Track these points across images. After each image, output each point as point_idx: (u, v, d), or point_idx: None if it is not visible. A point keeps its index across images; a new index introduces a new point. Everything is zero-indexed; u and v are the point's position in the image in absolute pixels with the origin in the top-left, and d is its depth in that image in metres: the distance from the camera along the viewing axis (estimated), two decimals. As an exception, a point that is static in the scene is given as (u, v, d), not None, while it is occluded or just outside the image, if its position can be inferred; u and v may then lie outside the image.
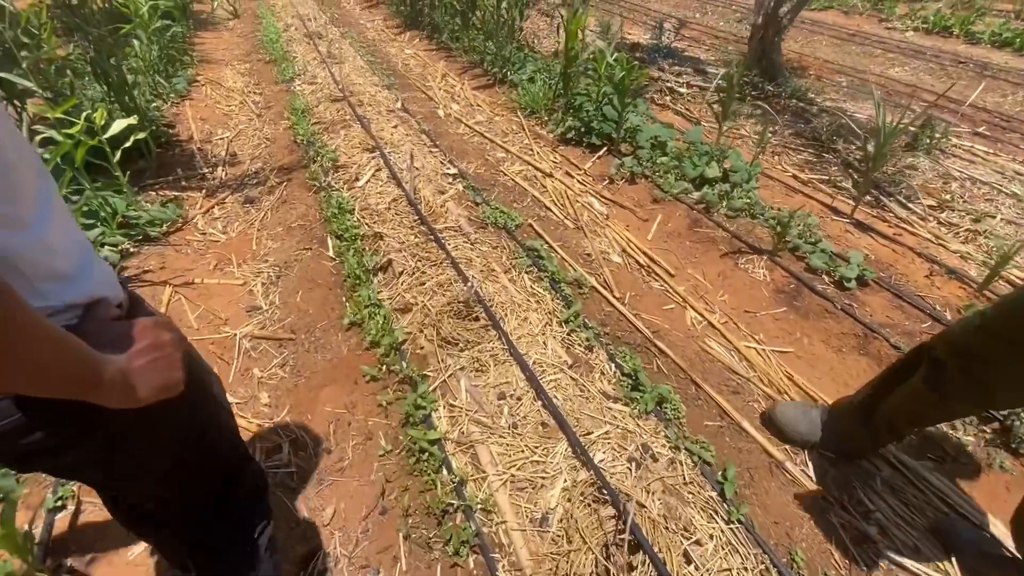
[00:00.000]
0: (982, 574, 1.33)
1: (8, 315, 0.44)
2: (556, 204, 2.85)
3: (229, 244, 2.48)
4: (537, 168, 3.19)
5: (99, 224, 2.31)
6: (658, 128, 3.09)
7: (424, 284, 2.13)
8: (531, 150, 3.42)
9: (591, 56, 3.40)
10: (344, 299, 2.13)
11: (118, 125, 2.40)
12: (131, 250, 2.34)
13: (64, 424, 0.60)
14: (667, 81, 4.41)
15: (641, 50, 5.11)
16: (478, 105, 4.14)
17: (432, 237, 2.41)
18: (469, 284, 2.08)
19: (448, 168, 3.10)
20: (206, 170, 3.08)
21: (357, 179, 2.91)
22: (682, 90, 4.26)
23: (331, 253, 2.39)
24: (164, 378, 0.62)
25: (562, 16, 4.35)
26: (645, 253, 2.45)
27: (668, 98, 4.18)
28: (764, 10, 3.87)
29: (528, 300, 2.08)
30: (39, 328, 0.47)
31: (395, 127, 3.56)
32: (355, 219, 2.56)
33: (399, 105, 3.98)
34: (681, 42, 5.71)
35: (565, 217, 2.74)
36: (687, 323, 2.09)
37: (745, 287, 2.28)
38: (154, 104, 3.66)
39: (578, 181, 3.06)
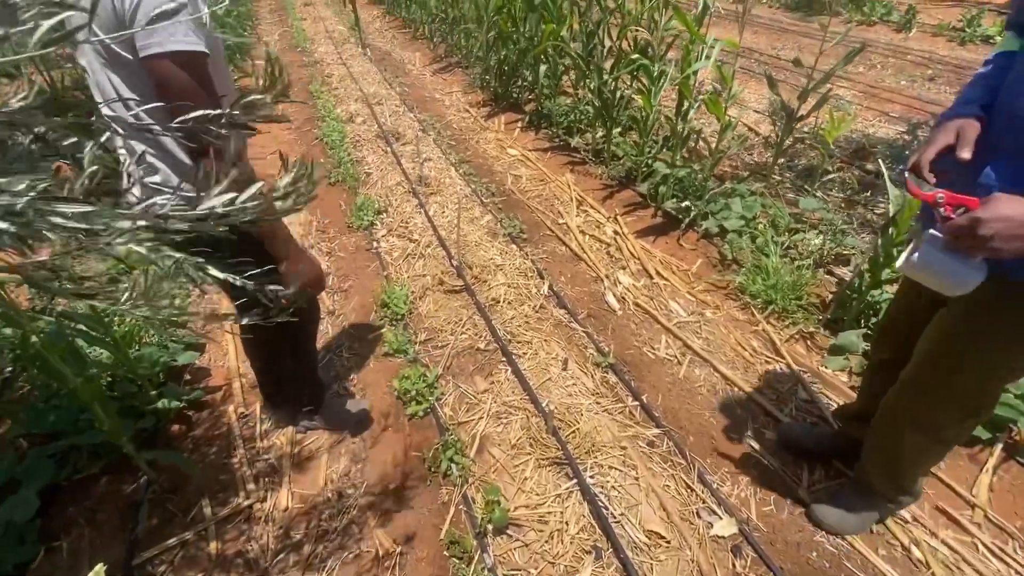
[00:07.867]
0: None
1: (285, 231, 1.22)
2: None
3: None
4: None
5: None
6: None
7: None
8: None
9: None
10: None
11: None
12: None
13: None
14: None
15: (870, 158, 3.50)
16: (662, 276, 2.63)
17: None
18: None
19: (709, 523, 1.58)
20: (264, 489, 1.65)
21: (555, 561, 1.41)
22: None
23: None
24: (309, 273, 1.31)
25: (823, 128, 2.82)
26: None
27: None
28: None
29: None
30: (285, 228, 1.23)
31: (565, 369, 2.06)
32: None
33: (546, 290, 2.51)
34: (881, 128, 4.08)
35: None
36: None
37: None
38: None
39: (987, 546, 1.50)
